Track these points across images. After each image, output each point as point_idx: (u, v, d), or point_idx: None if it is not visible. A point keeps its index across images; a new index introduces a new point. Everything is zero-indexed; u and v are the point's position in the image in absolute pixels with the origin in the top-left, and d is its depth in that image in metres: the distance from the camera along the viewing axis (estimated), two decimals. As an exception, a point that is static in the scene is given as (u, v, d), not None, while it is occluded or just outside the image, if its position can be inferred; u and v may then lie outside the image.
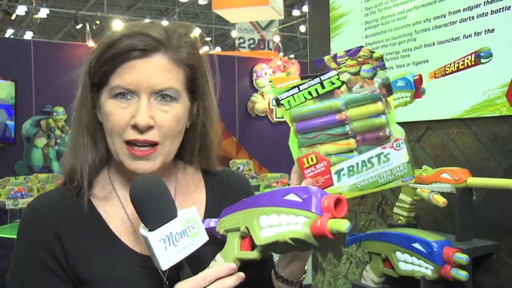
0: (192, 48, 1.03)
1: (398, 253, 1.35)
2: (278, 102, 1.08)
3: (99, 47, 0.99)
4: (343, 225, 0.76)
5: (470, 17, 1.64)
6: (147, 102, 0.96)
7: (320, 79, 1.05)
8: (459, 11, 1.67)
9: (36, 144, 6.71)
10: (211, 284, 0.87)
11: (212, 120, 1.12)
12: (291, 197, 0.84)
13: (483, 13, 1.60)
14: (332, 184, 1.03)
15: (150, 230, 0.88)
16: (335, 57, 1.05)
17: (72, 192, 1.03)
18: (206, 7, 13.32)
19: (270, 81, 1.10)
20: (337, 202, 0.80)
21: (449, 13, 1.70)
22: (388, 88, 1.03)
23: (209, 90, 1.10)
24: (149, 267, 1.00)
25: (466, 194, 1.35)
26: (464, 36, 1.65)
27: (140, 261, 1.01)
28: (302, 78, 1.07)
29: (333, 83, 1.04)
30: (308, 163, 1.06)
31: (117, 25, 12.34)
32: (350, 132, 1.04)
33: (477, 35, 1.61)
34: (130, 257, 1.02)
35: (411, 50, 1.84)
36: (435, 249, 1.25)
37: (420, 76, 1.80)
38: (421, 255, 1.28)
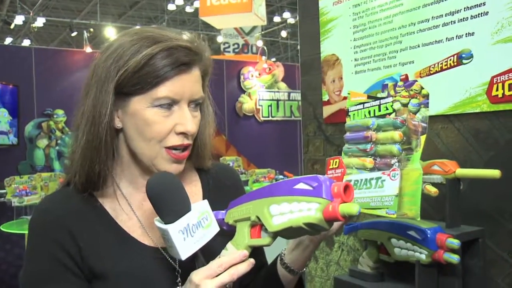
0: (210, 59, 1.04)
1: (393, 240, 1.36)
2: (347, 113, 1.14)
3: (137, 56, 0.93)
4: (354, 208, 0.79)
5: (452, 21, 1.65)
6: (188, 110, 0.97)
7: (380, 102, 1.08)
8: (441, 16, 1.68)
9: (38, 145, 6.62)
10: (225, 270, 0.87)
11: (210, 123, 1.12)
12: (301, 186, 0.85)
13: (463, 18, 1.61)
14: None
15: (167, 223, 0.88)
16: (395, 85, 1.07)
17: (78, 192, 1.01)
18: (193, 15, 13.28)
19: (348, 93, 1.14)
20: (346, 188, 0.82)
21: (432, 17, 1.71)
22: (424, 127, 1.02)
23: (209, 95, 1.11)
24: (161, 258, 1.00)
25: (454, 184, 1.37)
26: (446, 38, 1.66)
27: (152, 253, 1.01)
28: (368, 97, 1.12)
29: (387, 109, 1.07)
30: (332, 165, 1.10)
31: (110, 32, 12.25)
32: (369, 150, 1.05)
33: (458, 38, 1.63)
34: (141, 250, 1.01)
35: (397, 52, 1.85)
36: (429, 235, 1.26)
37: (407, 75, 1.80)
38: (415, 241, 1.29)
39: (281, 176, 6.07)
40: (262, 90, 8.35)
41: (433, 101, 1.71)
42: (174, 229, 0.87)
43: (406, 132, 1.03)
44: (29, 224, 1.01)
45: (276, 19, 13.84)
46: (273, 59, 15.27)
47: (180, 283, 0.99)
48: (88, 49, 7.14)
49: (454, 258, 1.22)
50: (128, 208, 1.04)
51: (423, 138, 1.02)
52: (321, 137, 2.24)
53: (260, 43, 11.58)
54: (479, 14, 1.56)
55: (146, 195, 1.05)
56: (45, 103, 6.68)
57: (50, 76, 6.65)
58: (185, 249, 0.88)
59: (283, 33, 14.04)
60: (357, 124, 1.11)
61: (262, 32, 12.78)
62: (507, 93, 1.48)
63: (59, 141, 6.50)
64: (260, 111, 8.12)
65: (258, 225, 0.92)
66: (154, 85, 0.93)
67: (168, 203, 0.88)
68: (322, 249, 2.24)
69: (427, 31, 1.73)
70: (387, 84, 1.08)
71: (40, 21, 11.89)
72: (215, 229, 0.94)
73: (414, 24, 1.78)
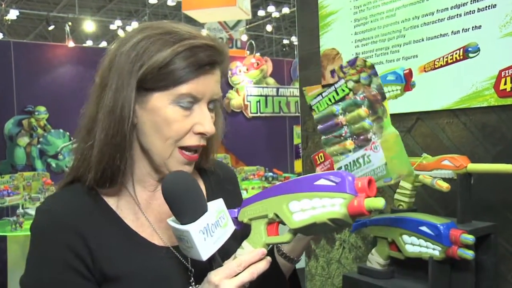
0: (229, 59, 1.05)
1: (405, 236, 1.36)
2: (311, 108, 1.17)
3: (164, 52, 0.92)
4: (380, 202, 0.80)
5: (457, 14, 1.66)
6: (207, 110, 0.96)
7: (335, 87, 1.13)
8: (447, 9, 1.69)
9: (19, 143, 6.51)
10: (244, 269, 0.87)
11: (220, 125, 1.12)
12: (322, 182, 0.85)
13: (470, 11, 1.63)
14: None
15: (184, 223, 0.87)
16: (341, 67, 1.12)
17: (85, 190, 0.99)
18: (175, 8, 13.18)
19: (304, 90, 1.17)
20: (369, 183, 0.83)
21: (437, 11, 1.72)
22: (382, 94, 1.07)
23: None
24: (172, 257, 1.00)
25: (466, 179, 1.38)
26: (452, 32, 1.68)
27: (163, 253, 1.00)
28: (323, 86, 1.16)
29: (343, 90, 1.11)
30: (319, 160, 1.20)
31: (89, 26, 12.11)
32: (345, 134, 1.10)
33: (465, 31, 1.64)
34: (152, 250, 1.00)
35: (400, 46, 1.86)
36: (442, 231, 1.27)
37: (410, 70, 1.82)
38: (428, 237, 1.30)
39: (270, 174, 6.07)
40: (250, 86, 8.34)
41: (438, 96, 1.73)
42: (195, 229, 0.86)
43: (369, 105, 1.08)
44: (34, 227, 0.97)
45: (261, 13, 13.81)
46: (258, 54, 15.29)
47: (193, 283, 0.98)
48: (70, 44, 7.04)
49: (469, 254, 1.23)
50: (136, 207, 1.03)
51: (385, 103, 1.06)
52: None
53: (244, 38, 11.57)
54: (486, 7, 1.57)
55: (153, 194, 1.04)
56: (26, 99, 6.58)
57: (31, 71, 6.54)
58: (206, 249, 0.87)
59: (268, 27, 14.03)
60: (324, 114, 1.15)
61: (247, 26, 12.75)
62: (515, 87, 1.50)
63: (41, 139, 6.41)
64: (248, 107, 8.10)
65: (275, 223, 0.93)
66: (178, 83, 0.92)
67: (185, 203, 0.88)
68: (323, 247, 2.25)
69: (432, 25, 1.74)
70: (334, 70, 1.14)
71: (13, 14, 11.63)
72: (232, 228, 0.94)
73: (418, 18, 1.79)
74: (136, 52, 0.92)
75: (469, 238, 1.24)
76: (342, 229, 0.95)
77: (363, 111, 1.06)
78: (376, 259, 1.48)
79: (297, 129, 10.49)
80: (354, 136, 1.09)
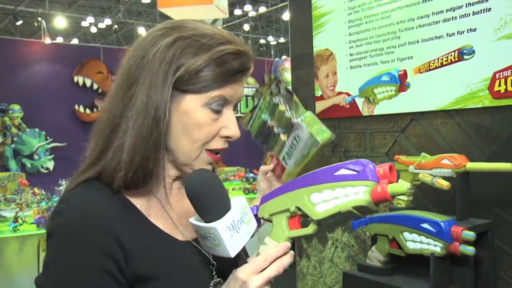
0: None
1: (406, 234, 1.42)
2: (248, 131, 1.47)
3: (201, 56, 0.93)
4: (403, 187, 0.85)
5: (453, 17, 1.74)
6: (233, 113, 0.99)
7: (258, 106, 1.45)
8: (442, 11, 1.76)
9: (-9, 142, 6.37)
10: (271, 264, 0.89)
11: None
12: (343, 172, 0.89)
13: (465, 14, 1.70)
14: (285, 168, 1.34)
15: (208, 221, 0.89)
16: (256, 89, 1.47)
17: (106, 190, 0.97)
18: (149, 6, 13.07)
19: (241, 120, 1.40)
20: (390, 169, 0.87)
21: (432, 13, 1.79)
22: (290, 92, 1.35)
23: None
24: (194, 251, 1.01)
25: (465, 178, 1.45)
26: (447, 34, 1.75)
27: (187, 248, 1.01)
28: (251, 111, 1.48)
29: (265, 105, 1.42)
30: (268, 162, 1.43)
31: (60, 22, 11.90)
32: (278, 133, 1.35)
33: (460, 34, 1.72)
34: (178, 245, 1.01)
35: (395, 47, 1.92)
36: (444, 228, 1.33)
37: (405, 71, 1.89)
38: (430, 234, 1.36)
39: (251, 174, 6.11)
40: (229, 86, 8.31)
41: (433, 96, 1.80)
42: (222, 226, 0.88)
43: (284, 101, 1.35)
44: (62, 226, 0.92)
45: (237, 11, 13.82)
46: (234, 54, 15.24)
47: (215, 276, 1.01)
48: (47, 40, 6.92)
49: (470, 250, 1.30)
50: (159, 205, 1.03)
51: (295, 97, 1.34)
52: (314, 133, 2.29)
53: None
54: (481, 10, 1.65)
55: (170, 192, 1.06)
56: (-1, 97, 6.45)
57: (5, 68, 6.41)
58: (233, 245, 0.89)
59: (246, 27, 14.06)
60: (259, 128, 1.43)
61: (224, 25, 12.75)
62: (509, 88, 1.57)
63: (15, 139, 6.27)
64: (229, 108, 8.07)
65: (296, 216, 0.95)
66: (213, 87, 0.94)
67: (211, 200, 0.89)
68: (315, 246, 2.30)
69: (427, 27, 1.81)
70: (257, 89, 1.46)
71: (-26, 7, 11.29)
72: (255, 224, 0.95)
73: (414, 20, 1.85)
74: (173, 53, 0.93)
75: (470, 235, 1.30)
76: (365, 215, 0.99)
77: (281, 107, 1.34)
78: (376, 256, 1.53)
79: (276, 130, 10.55)
80: (284, 129, 1.33)
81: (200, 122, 0.95)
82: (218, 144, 0.98)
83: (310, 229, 0.93)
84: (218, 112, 0.96)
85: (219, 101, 0.96)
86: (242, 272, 0.88)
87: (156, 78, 0.93)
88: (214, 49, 0.94)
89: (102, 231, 0.91)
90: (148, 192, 1.02)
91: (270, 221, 0.99)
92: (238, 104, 1.07)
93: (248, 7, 13.52)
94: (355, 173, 0.87)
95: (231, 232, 0.89)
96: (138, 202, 1.00)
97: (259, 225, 1.00)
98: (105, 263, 0.89)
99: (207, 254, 1.02)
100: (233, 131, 0.97)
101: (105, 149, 0.97)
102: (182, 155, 0.98)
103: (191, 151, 0.98)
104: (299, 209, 0.93)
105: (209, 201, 0.89)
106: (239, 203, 0.94)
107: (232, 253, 0.89)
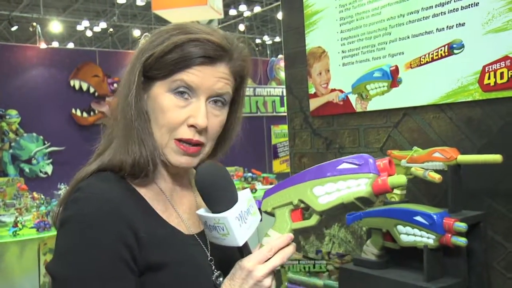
0: (246, 62, 1.07)
1: (399, 227, 1.44)
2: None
3: (166, 43, 0.98)
4: (402, 179, 0.89)
5: (442, 12, 1.76)
6: (205, 104, 0.99)
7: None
8: (431, 7, 1.79)
9: (-11, 148, 6.39)
10: (275, 254, 0.94)
11: (239, 126, 1.16)
12: (345, 166, 0.94)
13: (454, 9, 1.72)
14: None
15: (216, 212, 0.93)
16: None
17: (118, 180, 1.00)
18: (145, 8, 13.08)
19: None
20: (389, 163, 0.92)
21: (422, 8, 1.82)
22: None
23: (244, 99, 1.15)
24: (197, 244, 1.05)
25: (456, 170, 1.47)
26: (437, 29, 1.77)
27: (191, 240, 1.05)
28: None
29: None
30: None
31: (56, 27, 11.92)
32: None
33: (449, 29, 1.74)
34: (183, 238, 1.04)
35: (386, 43, 1.94)
36: (436, 220, 1.35)
37: (397, 66, 1.91)
38: (423, 227, 1.38)
39: (250, 174, 6.13)
40: (225, 86, 8.31)
41: (424, 91, 1.82)
42: (232, 216, 0.92)
43: None
44: (78, 214, 0.93)
45: (232, 12, 13.85)
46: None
47: (215, 270, 1.04)
48: (42, 45, 6.94)
49: (462, 240, 1.32)
50: (164, 197, 1.06)
51: None
52: (308, 130, 2.32)
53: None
54: (469, 5, 1.67)
55: (172, 184, 1.09)
56: (-4, 102, 6.46)
57: (1, 74, 6.43)
58: (241, 235, 0.93)
59: (241, 27, 14.08)
60: None
61: (219, 26, 12.78)
62: (499, 81, 1.60)
63: (13, 144, 6.29)
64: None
65: (299, 209, 1.00)
66: (174, 72, 0.98)
67: (221, 192, 0.94)
68: (312, 242, 2.32)
69: (417, 22, 1.84)
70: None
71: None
72: (259, 216, 1.00)
73: (404, 16, 1.88)
74: (147, 44, 1.01)
75: (462, 226, 1.32)
76: (366, 207, 1.02)
77: None
78: (371, 250, 1.56)
79: (274, 129, 10.60)
80: None
81: (164, 107, 0.99)
82: (185, 133, 0.99)
83: (313, 220, 0.98)
84: (183, 98, 0.99)
85: (181, 86, 0.98)
86: (248, 262, 0.93)
87: (132, 67, 1.01)
88: (177, 36, 0.98)
89: (118, 219, 0.93)
90: (154, 186, 1.05)
91: (273, 214, 1.04)
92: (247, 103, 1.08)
93: (243, 7, 13.55)
94: (356, 166, 0.93)
95: (239, 222, 0.94)
96: (146, 194, 1.04)
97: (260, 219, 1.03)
98: (122, 251, 0.91)
99: (206, 249, 1.05)
100: (198, 120, 0.98)
101: (110, 139, 1.04)
102: (157, 143, 1.02)
103: (160, 138, 1.01)
104: (302, 202, 0.98)
105: (220, 192, 0.94)
106: (245, 195, 0.99)
107: (241, 242, 0.94)
